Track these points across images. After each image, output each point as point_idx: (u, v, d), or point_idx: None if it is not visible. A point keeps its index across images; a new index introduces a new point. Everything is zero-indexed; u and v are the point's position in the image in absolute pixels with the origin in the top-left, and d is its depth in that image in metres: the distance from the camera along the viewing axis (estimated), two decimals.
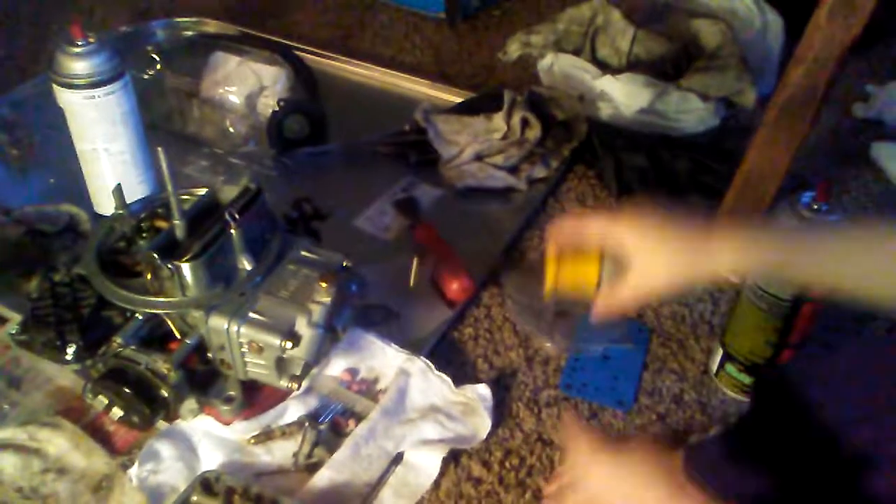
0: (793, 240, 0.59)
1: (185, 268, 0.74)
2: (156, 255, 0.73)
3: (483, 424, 0.83)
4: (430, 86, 1.37)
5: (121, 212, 0.80)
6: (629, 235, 0.60)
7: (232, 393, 0.80)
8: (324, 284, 0.78)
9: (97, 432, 0.80)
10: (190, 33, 1.44)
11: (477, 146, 1.17)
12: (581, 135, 1.21)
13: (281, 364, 0.77)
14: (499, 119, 1.18)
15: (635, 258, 0.60)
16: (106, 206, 1.03)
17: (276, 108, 1.17)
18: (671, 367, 0.92)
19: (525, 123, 1.18)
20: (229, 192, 0.83)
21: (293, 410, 0.83)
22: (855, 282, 0.55)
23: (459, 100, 1.29)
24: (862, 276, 0.54)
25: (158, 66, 1.26)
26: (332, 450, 0.80)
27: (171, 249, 0.76)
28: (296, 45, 1.41)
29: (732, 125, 1.30)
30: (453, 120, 1.21)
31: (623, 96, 1.23)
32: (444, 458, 0.80)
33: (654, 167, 1.17)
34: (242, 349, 0.76)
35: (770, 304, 0.83)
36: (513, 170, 1.17)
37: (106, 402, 0.73)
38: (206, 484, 0.74)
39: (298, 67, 1.28)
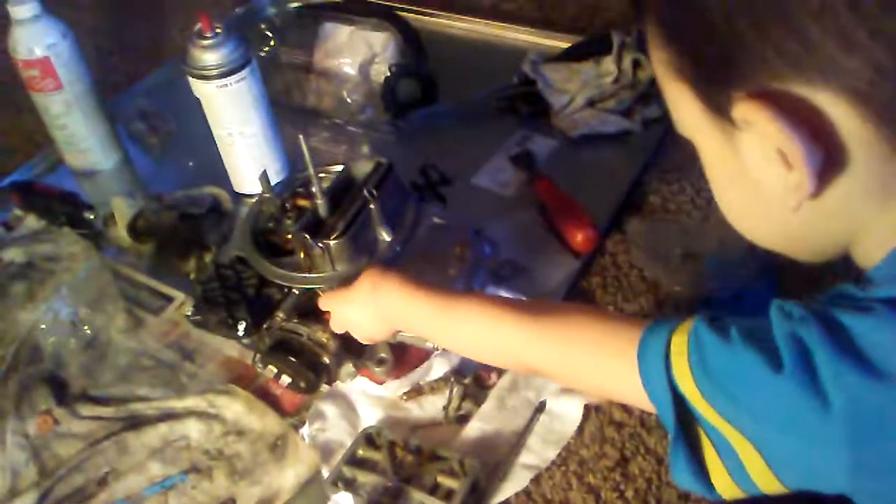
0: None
1: (334, 245, 0.80)
2: (307, 236, 0.79)
3: None
4: (534, 33, 1.37)
5: (268, 195, 0.86)
6: None
7: (383, 355, 0.86)
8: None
9: (266, 397, 0.88)
10: (296, 4, 1.49)
11: (588, 92, 1.17)
12: None
13: None
14: (609, 63, 1.17)
15: None
16: (244, 185, 1.10)
17: (389, 74, 1.20)
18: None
19: (636, 64, 1.16)
20: (363, 168, 0.87)
21: (438, 367, 0.88)
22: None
23: (566, 45, 1.28)
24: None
25: (272, 43, 1.32)
26: (478, 402, 0.85)
27: (318, 228, 0.81)
28: (396, 5, 1.43)
29: None
30: (562, 67, 1.21)
31: None
32: (585, 405, 0.83)
33: None
34: None
35: None
36: (626, 113, 1.17)
37: (275, 370, 0.80)
38: (369, 438, 0.81)
39: (404, 30, 1.30)
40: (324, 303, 0.79)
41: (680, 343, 0.51)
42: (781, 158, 0.45)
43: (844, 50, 0.42)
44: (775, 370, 0.45)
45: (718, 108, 0.47)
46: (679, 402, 0.50)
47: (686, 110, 0.50)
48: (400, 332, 0.77)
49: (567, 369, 0.62)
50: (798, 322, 0.45)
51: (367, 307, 0.73)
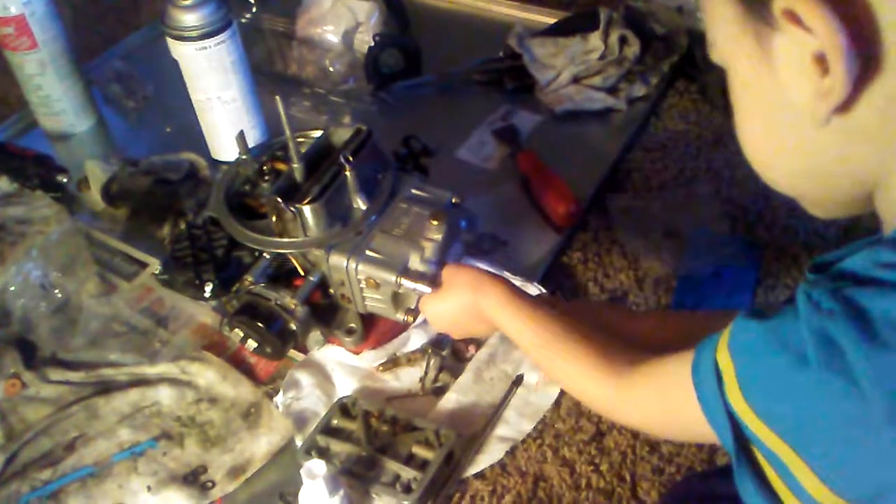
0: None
1: (307, 210, 0.78)
2: (279, 200, 0.78)
3: None
4: (521, 7, 1.35)
5: (244, 157, 0.84)
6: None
7: (353, 325, 0.85)
8: (435, 222, 0.80)
9: (240, 364, 0.86)
10: None
11: (574, 68, 1.16)
12: (682, 49, 1.18)
13: (397, 298, 0.80)
14: (595, 38, 1.16)
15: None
16: (222, 151, 1.08)
17: (372, 44, 1.18)
18: (785, 282, 0.92)
19: (623, 41, 1.15)
20: (342, 134, 0.86)
21: (416, 339, 0.88)
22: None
23: (553, 20, 1.27)
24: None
25: (254, 9, 1.29)
26: (455, 374, 0.85)
27: (292, 192, 0.80)
28: None
29: None
30: (548, 43, 1.19)
31: None
32: None
33: None
34: (361, 285, 0.80)
35: None
36: (612, 90, 1.16)
37: (242, 334, 0.79)
38: (344, 408, 0.80)
39: (390, 0, 1.28)
40: (423, 304, 0.77)
41: (724, 359, 0.49)
42: (817, 64, 0.42)
43: None
44: (803, 367, 0.43)
45: (759, 2, 0.44)
46: (735, 422, 0.48)
47: (723, 19, 0.47)
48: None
49: (662, 425, 0.61)
50: (826, 316, 0.43)
51: (467, 305, 0.72)
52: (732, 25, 0.46)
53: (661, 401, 0.58)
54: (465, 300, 0.72)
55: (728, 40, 0.47)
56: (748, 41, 0.46)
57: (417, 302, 0.80)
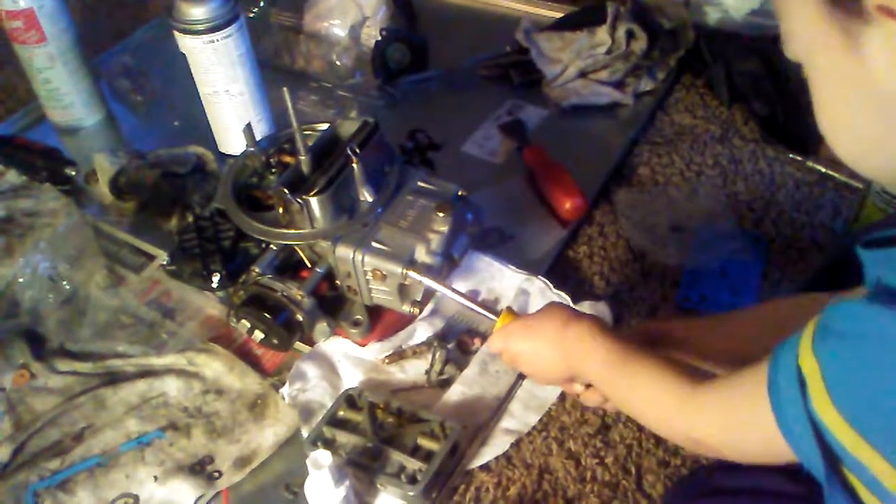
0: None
1: (313, 202, 0.78)
2: (286, 191, 0.78)
3: None
4: (527, 2, 1.35)
5: (252, 149, 0.85)
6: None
7: (359, 317, 0.86)
8: (441, 214, 0.80)
9: (247, 356, 0.87)
10: None
11: (581, 63, 1.16)
12: (688, 43, 1.17)
13: (403, 290, 0.81)
14: (602, 33, 1.16)
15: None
16: (229, 145, 1.09)
17: (379, 38, 1.18)
18: (792, 276, 0.92)
19: (630, 35, 1.15)
20: (349, 127, 0.86)
21: (422, 331, 0.88)
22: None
23: (560, 15, 1.27)
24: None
25: (262, 3, 1.29)
26: (461, 367, 0.85)
27: (298, 184, 0.80)
28: None
29: None
30: (555, 37, 1.19)
31: None
32: None
33: (767, 71, 1.13)
34: (367, 276, 0.81)
35: None
36: (619, 84, 1.16)
37: (248, 326, 0.79)
38: (350, 400, 0.80)
39: None
40: (500, 336, 0.72)
41: (809, 363, 0.45)
42: None
43: None
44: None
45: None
46: (823, 440, 0.44)
47: (803, 14, 0.46)
48: (575, 381, 0.70)
49: (727, 443, 0.55)
50: None
51: (553, 344, 0.67)
52: (815, 20, 0.45)
53: (727, 413, 0.54)
54: (553, 336, 0.67)
55: (809, 35, 0.46)
56: (834, 34, 0.45)
57: (422, 295, 0.81)
